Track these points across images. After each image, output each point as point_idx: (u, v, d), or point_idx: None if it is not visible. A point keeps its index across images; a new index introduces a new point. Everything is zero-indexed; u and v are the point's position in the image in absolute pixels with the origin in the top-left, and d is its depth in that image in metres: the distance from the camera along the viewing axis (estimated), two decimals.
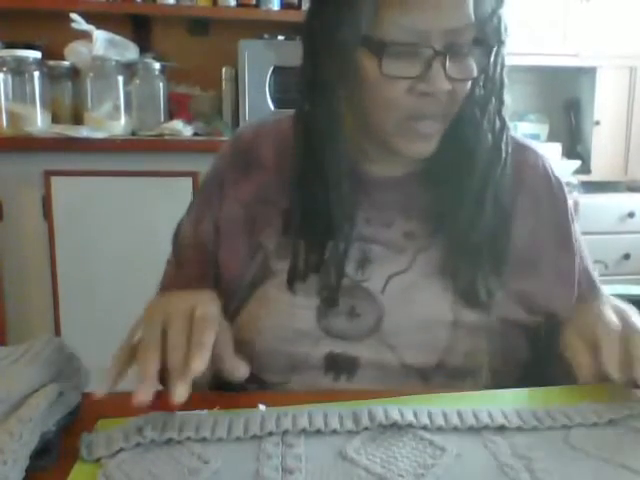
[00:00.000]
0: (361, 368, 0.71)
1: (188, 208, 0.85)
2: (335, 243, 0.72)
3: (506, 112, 0.73)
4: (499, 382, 0.71)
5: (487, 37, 0.67)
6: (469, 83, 0.69)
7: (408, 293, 0.72)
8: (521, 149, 0.79)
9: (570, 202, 0.81)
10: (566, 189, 0.81)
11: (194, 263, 0.81)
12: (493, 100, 0.72)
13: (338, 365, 0.71)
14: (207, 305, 0.62)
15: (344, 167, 0.71)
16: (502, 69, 0.72)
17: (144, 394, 0.53)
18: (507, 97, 0.73)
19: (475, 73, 0.68)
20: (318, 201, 0.72)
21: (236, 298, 0.77)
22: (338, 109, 0.69)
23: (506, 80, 0.72)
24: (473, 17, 0.66)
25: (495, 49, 0.69)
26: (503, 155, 0.73)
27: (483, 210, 0.72)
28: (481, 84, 0.71)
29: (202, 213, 0.81)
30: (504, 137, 0.73)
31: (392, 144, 0.70)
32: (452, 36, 0.64)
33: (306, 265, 0.73)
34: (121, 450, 0.51)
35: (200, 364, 0.54)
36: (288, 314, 0.72)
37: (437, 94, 0.65)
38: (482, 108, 0.72)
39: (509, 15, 0.71)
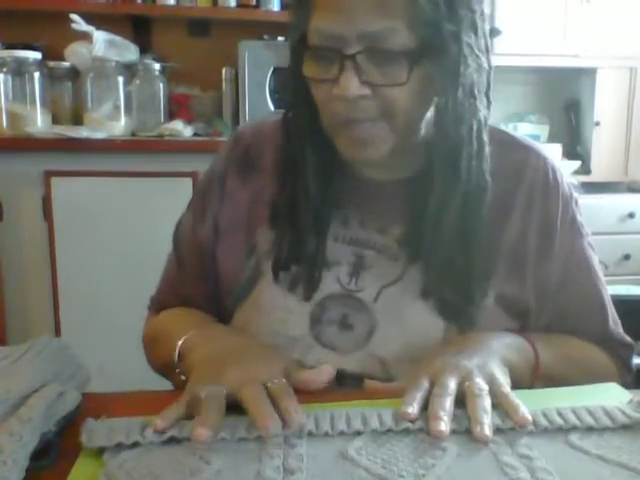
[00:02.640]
0: (349, 379, 0.71)
1: (188, 205, 0.85)
2: (306, 235, 0.72)
3: (479, 124, 0.68)
4: None
5: (425, 43, 0.63)
6: (407, 88, 0.64)
7: (399, 306, 0.71)
8: (521, 150, 0.77)
9: (572, 211, 0.79)
10: (567, 193, 0.78)
11: (195, 261, 0.81)
12: (448, 111, 0.66)
13: None
14: (274, 375, 0.60)
15: (313, 163, 0.72)
16: (454, 78, 0.65)
17: (205, 434, 0.52)
18: (466, 111, 0.67)
19: (404, 79, 0.63)
20: (292, 192, 0.73)
21: (232, 298, 0.77)
22: (305, 108, 0.71)
23: (461, 91, 0.66)
24: (403, 21, 0.62)
25: (436, 56, 0.64)
26: (463, 174, 0.68)
27: (447, 232, 0.69)
28: (437, 92, 0.67)
29: (201, 211, 0.81)
30: (463, 153, 0.68)
31: (338, 148, 0.70)
32: (371, 40, 0.62)
33: (288, 256, 0.73)
34: (121, 445, 0.51)
35: (303, 418, 0.54)
36: (282, 320, 0.72)
37: (352, 99, 0.64)
38: (442, 120, 0.67)
39: (479, 17, 0.65)
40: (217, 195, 0.80)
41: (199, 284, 0.81)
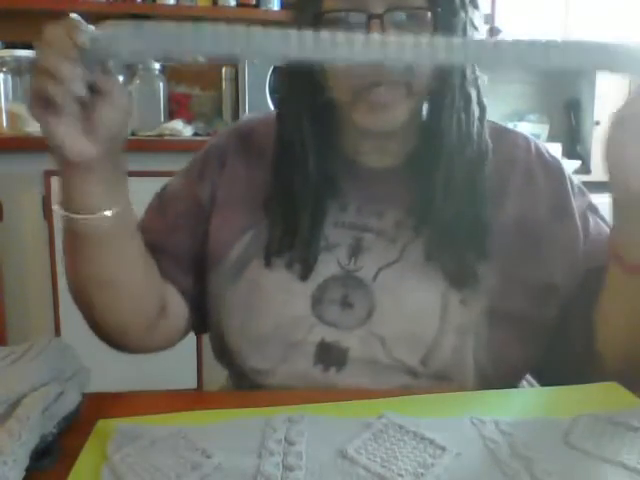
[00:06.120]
0: (350, 361, 0.71)
1: (179, 173, 0.84)
2: (303, 217, 0.74)
3: (476, 89, 0.72)
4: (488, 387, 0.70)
5: (437, 2, 0.67)
6: None
7: (398, 284, 0.72)
8: (508, 135, 0.80)
9: (574, 178, 0.80)
10: (563, 165, 0.80)
11: (179, 211, 0.81)
12: (455, 75, 0.71)
13: (328, 356, 0.72)
14: None
15: (310, 147, 0.73)
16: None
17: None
18: (475, 77, 0.72)
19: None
20: (288, 180, 0.74)
21: (220, 276, 0.76)
22: (305, 90, 0.72)
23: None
24: None
25: (448, 16, 0.68)
26: (474, 137, 0.72)
27: (453, 197, 0.72)
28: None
29: (199, 176, 0.81)
30: (471, 113, 0.72)
31: (354, 118, 0.71)
32: (393, 1, 0.65)
33: (281, 240, 0.74)
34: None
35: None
36: (283, 301, 0.73)
37: None
38: (447, 84, 0.71)
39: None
40: (216, 168, 0.80)
41: (176, 233, 0.80)
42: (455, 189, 0.72)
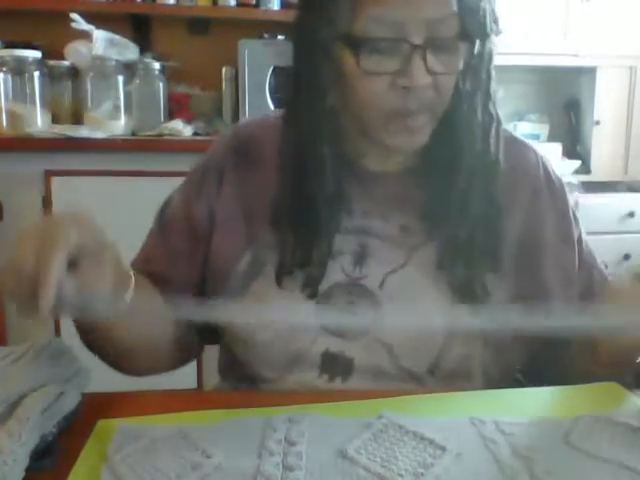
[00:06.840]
0: (356, 370, 0.71)
1: (179, 189, 0.83)
2: (319, 238, 0.72)
3: (494, 106, 0.73)
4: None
5: (471, 30, 0.66)
6: (455, 76, 0.68)
7: (405, 291, 0.72)
8: (520, 147, 0.80)
9: (572, 202, 0.80)
10: (567, 188, 0.81)
11: (180, 237, 0.80)
12: (479, 94, 0.71)
13: (334, 366, 0.71)
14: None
15: (329, 161, 0.71)
16: (489, 63, 0.71)
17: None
18: (495, 91, 0.73)
19: (460, 67, 0.67)
20: (303, 195, 0.72)
21: (227, 290, 0.76)
22: (321, 105, 0.70)
23: (494, 74, 0.72)
24: (455, 8, 0.65)
25: (479, 42, 0.68)
26: (492, 149, 0.72)
27: (471, 206, 0.71)
28: (467, 78, 0.70)
29: (197, 196, 0.79)
30: (492, 131, 0.72)
31: (381, 139, 0.71)
32: (432, 28, 0.64)
33: (292, 260, 0.73)
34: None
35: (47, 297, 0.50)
36: (287, 309, 0.72)
37: (418, 88, 0.65)
38: (469, 102, 0.71)
39: (499, 9, 0.70)
40: (214, 186, 0.79)
41: (178, 262, 0.79)
42: (469, 200, 0.71)
